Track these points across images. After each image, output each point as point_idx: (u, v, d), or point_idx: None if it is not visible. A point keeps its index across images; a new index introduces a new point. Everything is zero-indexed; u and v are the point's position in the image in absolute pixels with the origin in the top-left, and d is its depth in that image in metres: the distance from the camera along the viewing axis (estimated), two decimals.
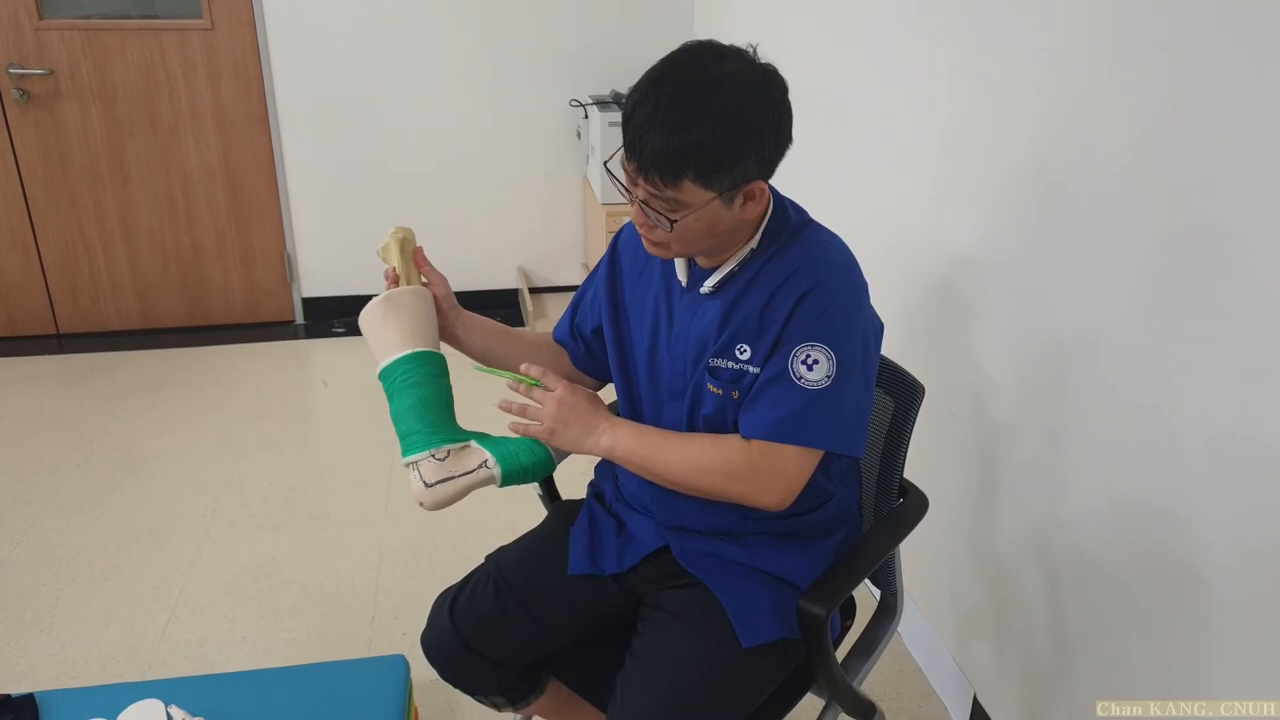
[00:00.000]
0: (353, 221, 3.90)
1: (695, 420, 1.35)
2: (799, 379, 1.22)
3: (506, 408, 1.33)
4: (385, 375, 1.34)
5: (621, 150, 1.19)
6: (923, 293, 2.05)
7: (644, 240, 1.26)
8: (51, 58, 3.46)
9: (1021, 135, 1.66)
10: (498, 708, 1.50)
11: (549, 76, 3.81)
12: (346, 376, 3.63)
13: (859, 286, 1.28)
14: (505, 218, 4.02)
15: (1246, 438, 1.22)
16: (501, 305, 4.10)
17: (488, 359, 1.46)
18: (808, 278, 1.23)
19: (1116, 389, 1.45)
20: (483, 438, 1.36)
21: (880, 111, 2.23)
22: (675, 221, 1.16)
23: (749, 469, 1.25)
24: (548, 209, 4.04)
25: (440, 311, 1.41)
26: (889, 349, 1.57)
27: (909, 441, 1.51)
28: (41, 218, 3.69)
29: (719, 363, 1.29)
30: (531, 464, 1.34)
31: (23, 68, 3.44)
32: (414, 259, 1.39)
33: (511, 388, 1.36)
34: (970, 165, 1.83)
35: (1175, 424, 1.33)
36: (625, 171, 1.19)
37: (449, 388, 1.37)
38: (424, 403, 1.33)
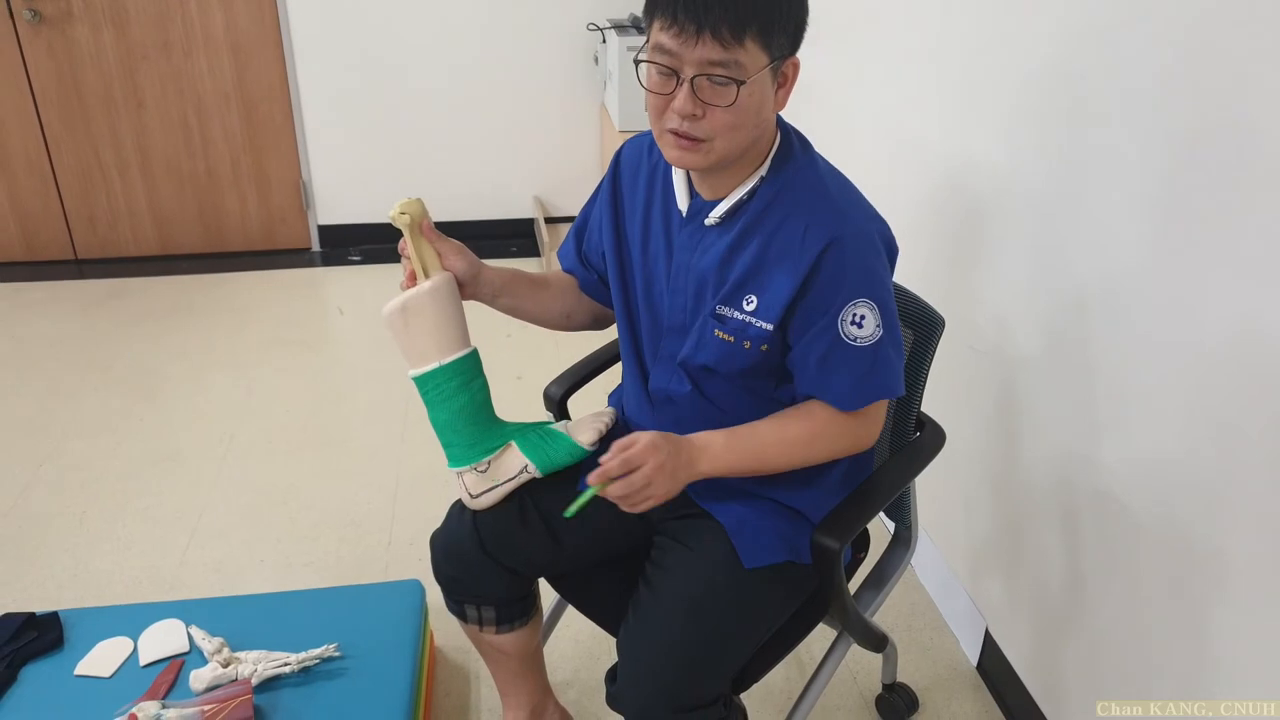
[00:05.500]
0: (369, 150, 3.86)
1: (691, 366, 1.33)
2: (854, 340, 1.23)
3: (627, 505, 1.22)
4: (418, 384, 1.36)
5: (650, 42, 1.14)
6: (943, 222, 2.01)
7: (674, 143, 1.17)
8: None
9: (1042, 51, 1.60)
10: (480, 625, 1.49)
11: (566, 0, 3.71)
12: (363, 304, 3.62)
13: (869, 219, 1.25)
14: (521, 146, 3.97)
15: (1278, 379, 1.19)
16: (517, 235, 4.06)
17: (517, 314, 1.46)
18: (821, 232, 1.20)
19: (1143, 325, 1.42)
20: (521, 435, 1.40)
21: (898, 30, 2.17)
22: (743, 84, 1.10)
23: (850, 434, 1.31)
24: (564, 137, 3.98)
25: (462, 285, 1.36)
26: (911, 280, 1.55)
27: (928, 374, 1.49)
28: (56, 142, 3.66)
29: (725, 311, 1.27)
30: (570, 462, 1.42)
31: None
32: (425, 234, 1.32)
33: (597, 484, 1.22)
34: (991, 83, 1.77)
35: (1204, 362, 1.30)
36: (666, 52, 1.12)
37: (484, 386, 1.38)
38: (459, 414, 1.36)
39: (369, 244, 4.01)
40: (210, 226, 3.93)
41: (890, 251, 1.28)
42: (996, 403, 1.85)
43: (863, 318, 1.22)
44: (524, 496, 1.42)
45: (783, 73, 1.17)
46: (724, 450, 1.27)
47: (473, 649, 1.75)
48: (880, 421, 1.33)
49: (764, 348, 1.26)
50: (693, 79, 1.12)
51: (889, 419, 1.55)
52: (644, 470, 1.19)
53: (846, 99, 2.46)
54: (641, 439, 1.20)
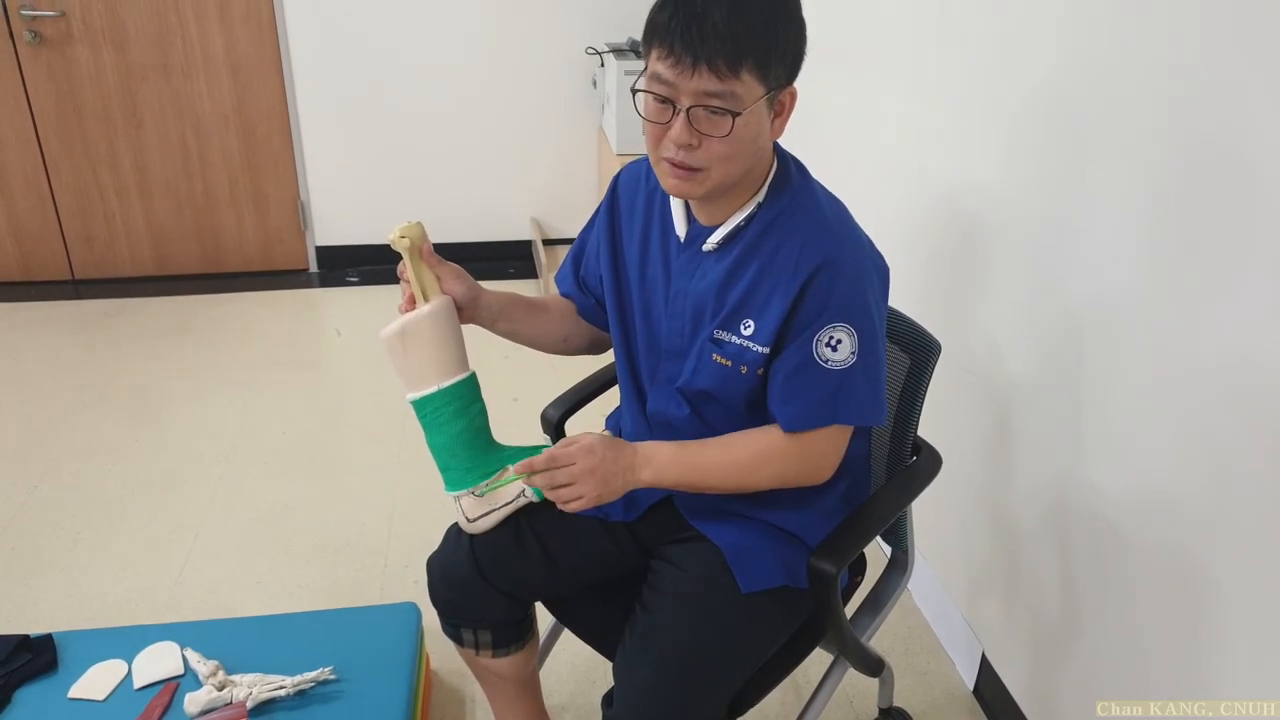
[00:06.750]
0: (367, 171, 3.87)
1: (689, 391, 1.34)
2: (825, 362, 1.22)
3: (556, 499, 1.25)
4: (416, 407, 1.36)
5: (648, 71, 1.15)
6: (940, 247, 2.02)
7: (670, 173, 1.19)
8: None
9: (1040, 78, 1.62)
10: (477, 649, 1.49)
11: (565, 24, 3.74)
12: (360, 326, 3.63)
13: (862, 248, 1.26)
14: (519, 168, 3.99)
15: (1270, 405, 1.20)
16: (514, 257, 4.08)
17: (515, 338, 1.47)
18: (814, 254, 1.21)
19: (1138, 350, 1.43)
20: (519, 459, 1.38)
21: (899, 57, 2.19)
22: (738, 116, 1.11)
23: (799, 458, 1.28)
24: (562, 159, 4.00)
25: (461, 309, 1.36)
26: (907, 305, 1.56)
27: (924, 399, 1.50)
28: (55, 162, 3.67)
29: (723, 335, 1.28)
30: None
31: (34, 9, 3.40)
32: (425, 258, 1.33)
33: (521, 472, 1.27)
34: (988, 109, 1.79)
35: (1198, 386, 1.31)
36: (663, 82, 1.13)
37: (482, 410, 1.39)
38: (457, 439, 1.36)
39: (367, 265, 4.02)
40: (208, 247, 3.94)
41: (884, 282, 1.29)
42: (993, 427, 1.86)
43: (839, 342, 1.22)
44: (521, 520, 1.42)
45: (779, 102, 1.18)
46: (670, 462, 1.27)
47: (469, 673, 1.75)
48: (836, 453, 1.30)
49: (760, 372, 1.27)
50: (689, 109, 1.13)
51: (884, 442, 1.56)
52: (570, 470, 1.21)
53: (845, 124, 2.48)
54: (581, 440, 1.23)
